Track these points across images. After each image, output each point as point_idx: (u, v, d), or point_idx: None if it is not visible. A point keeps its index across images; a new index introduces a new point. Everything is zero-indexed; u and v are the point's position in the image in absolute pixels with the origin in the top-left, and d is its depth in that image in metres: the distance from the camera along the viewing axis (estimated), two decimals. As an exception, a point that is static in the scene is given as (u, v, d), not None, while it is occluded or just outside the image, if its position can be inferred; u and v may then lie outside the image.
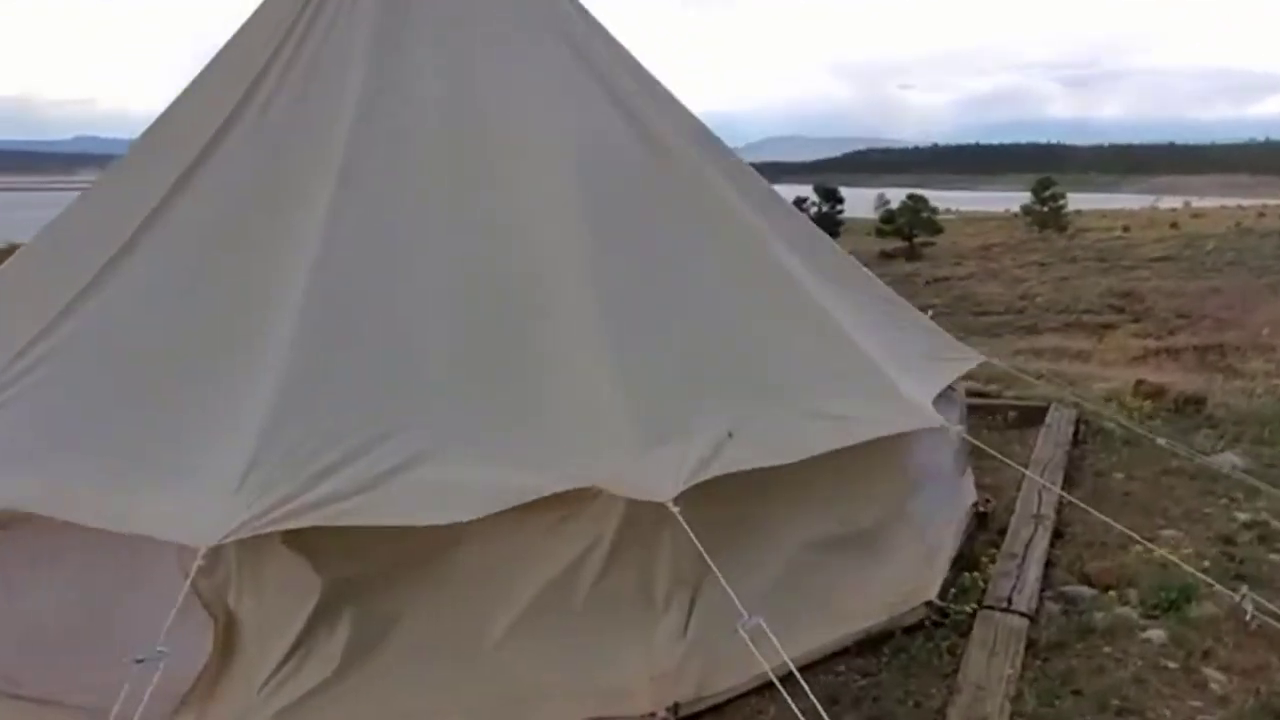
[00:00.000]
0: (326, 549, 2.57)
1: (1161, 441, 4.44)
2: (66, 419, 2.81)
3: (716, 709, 2.79)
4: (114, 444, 2.73)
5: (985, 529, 4.28)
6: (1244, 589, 3.14)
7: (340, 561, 2.61)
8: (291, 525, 2.46)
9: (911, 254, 38.73)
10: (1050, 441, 5.45)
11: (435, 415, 2.74)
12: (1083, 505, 4.60)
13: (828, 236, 5.04)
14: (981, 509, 4.50)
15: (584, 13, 4.04)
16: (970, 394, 6.62)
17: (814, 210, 43.34)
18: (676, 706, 2.68)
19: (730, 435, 2.86)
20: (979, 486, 4.98)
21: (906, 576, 3.37)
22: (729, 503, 2.88)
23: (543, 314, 2.99)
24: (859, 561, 3.26)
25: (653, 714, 2.67)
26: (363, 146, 3.29)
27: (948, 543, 3.81)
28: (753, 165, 4.50)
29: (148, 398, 2.84)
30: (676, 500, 2.53)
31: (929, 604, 3.32)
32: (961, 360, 4.23)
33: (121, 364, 2.93)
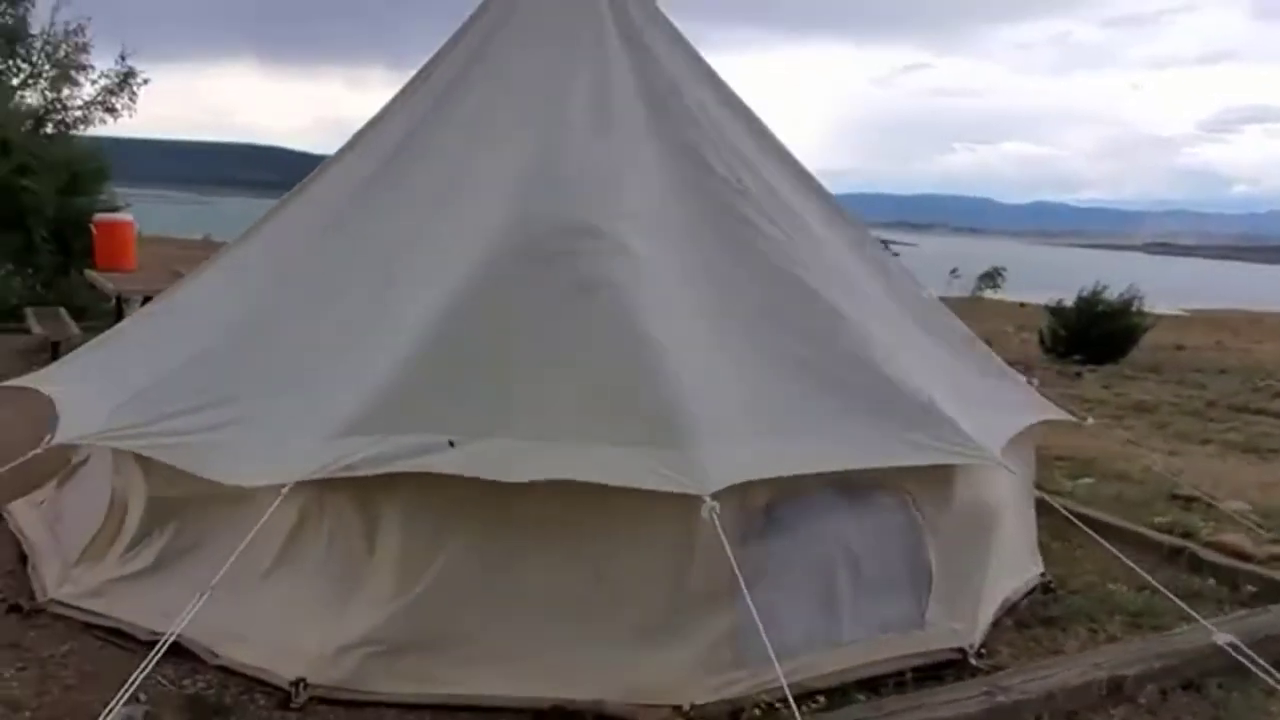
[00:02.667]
0: (157, 470, 3.40)
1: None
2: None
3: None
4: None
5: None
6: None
7: (167, 481, 3.42)
8: (121, 446, 3.37)
9: None
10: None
11: (264, 392, 3.38)
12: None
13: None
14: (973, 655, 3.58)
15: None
16: (1225, 550, 4.96)
17: None
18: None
19: (451, 444, 2.98)
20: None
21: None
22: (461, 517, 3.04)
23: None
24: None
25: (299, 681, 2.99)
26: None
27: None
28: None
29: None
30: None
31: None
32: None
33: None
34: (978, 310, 23.37)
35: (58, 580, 3.66)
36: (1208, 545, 5.00)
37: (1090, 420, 4.62)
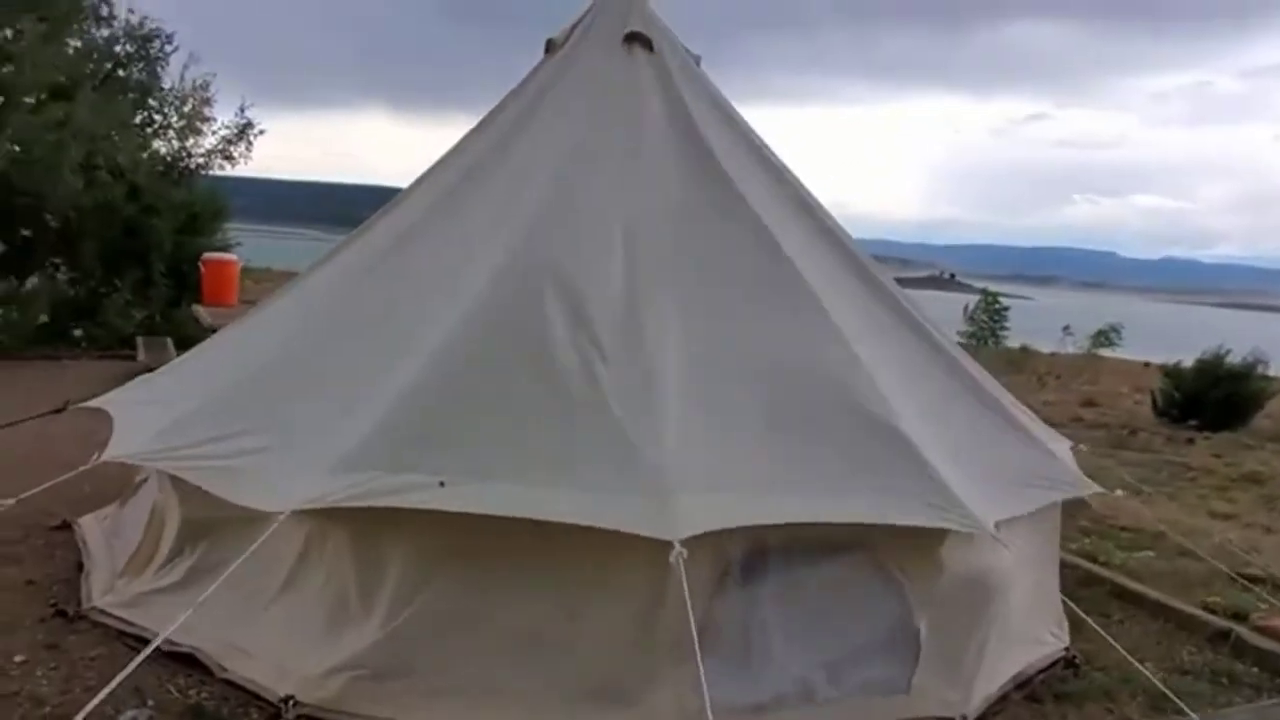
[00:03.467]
0: (190, 493, 3.71)
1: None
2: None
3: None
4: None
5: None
6: None
7: (198, 504, 3.71)
8: (153, 465, 3.70)
9: None
10: None
11: (289, 423, 3.66)
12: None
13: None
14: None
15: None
16: (1273, 635, 4.67)
17: None
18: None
19: (441, 484, 3.15)
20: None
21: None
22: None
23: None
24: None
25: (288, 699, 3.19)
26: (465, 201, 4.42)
27: None
28: None
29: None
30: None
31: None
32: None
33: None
34: (1094, 369, 22.33)
35: (103, 589, 4.00)
36: (1257, 629, 4.70)
37: (1120, 493, 4.44)
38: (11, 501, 3.43)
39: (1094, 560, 5.83)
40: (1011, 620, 3.86)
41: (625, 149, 4.49)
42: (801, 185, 4.98)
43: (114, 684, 2.53)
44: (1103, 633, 3.80)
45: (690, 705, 3.14)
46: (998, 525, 3.45)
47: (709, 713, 2.53)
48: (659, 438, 3.29)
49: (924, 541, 3.44)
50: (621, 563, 3.12)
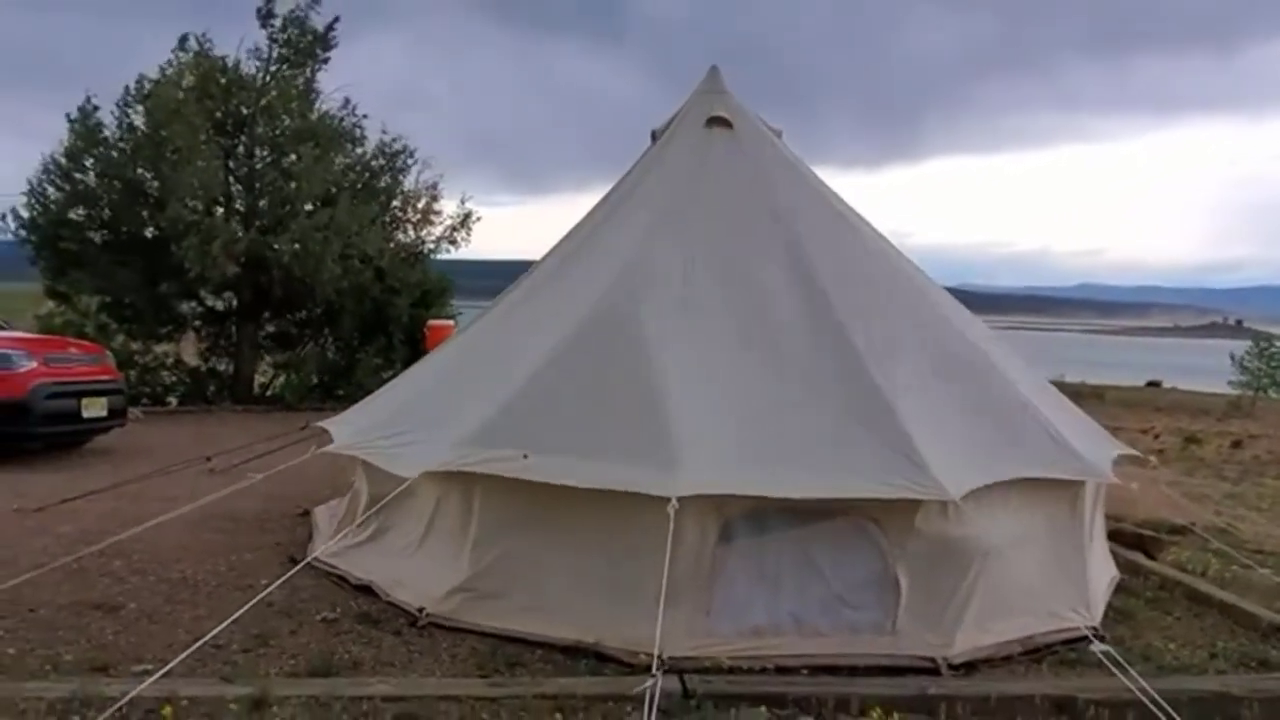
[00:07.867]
0: (376, 474, 5.21)
1: None
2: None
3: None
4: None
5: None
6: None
7: (379, 483, 5.20)
8: (346, 451, 5.26)
9: None
10: None
11: (433, 421, 5.09)
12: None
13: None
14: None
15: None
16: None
17: None
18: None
19: (526, 457, 4.39)
20: None
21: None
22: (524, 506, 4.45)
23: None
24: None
25: (420, 610, 4.51)
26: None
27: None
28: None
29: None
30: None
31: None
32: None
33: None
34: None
35: (321, 547, 5.61)
36: (1314, 626, 4.84)
37: (1135, 486, 4.81)
38: (259, 476, 5.10)
39: (1183, 569, 6.01)
40: (1008, 586, 4.45)
41: (703, 205, 5.67)
42: (863, 222, 5.98)
43: (280, 581, 3.99)
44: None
45: (699, 625, 4.13)
46: (970, 497, 4.16)
47: (658, 634, 3.50)
48: (685, 424, 4.35)
49: (899, 507, 4.20)
50: (648, 521, 4.15)
